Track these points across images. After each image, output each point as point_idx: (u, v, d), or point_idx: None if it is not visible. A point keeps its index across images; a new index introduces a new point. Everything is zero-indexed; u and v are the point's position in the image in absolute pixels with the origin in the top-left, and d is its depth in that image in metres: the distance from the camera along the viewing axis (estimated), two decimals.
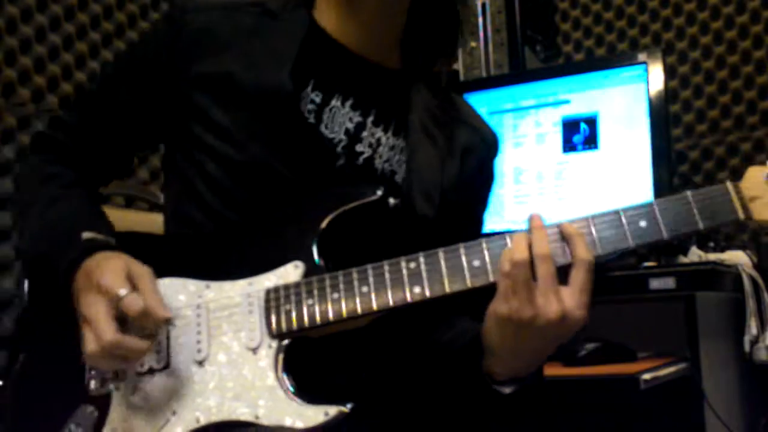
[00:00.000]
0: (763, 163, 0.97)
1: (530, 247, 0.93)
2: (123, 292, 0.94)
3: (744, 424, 1.91)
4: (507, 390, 1.02)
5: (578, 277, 0.94)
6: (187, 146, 1.12)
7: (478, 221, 1.29)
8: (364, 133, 1.14)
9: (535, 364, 1.02)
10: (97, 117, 1.18)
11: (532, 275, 0.93)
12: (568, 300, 0.93)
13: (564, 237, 0.95)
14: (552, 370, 1.60)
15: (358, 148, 1.13)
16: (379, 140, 1.14)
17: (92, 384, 1.02)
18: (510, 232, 0.97)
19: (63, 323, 1.03)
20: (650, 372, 1.49)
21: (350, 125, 1.13)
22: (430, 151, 1.16)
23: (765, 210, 0.95)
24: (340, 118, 1.12)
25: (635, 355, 1.70)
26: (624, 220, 0.96)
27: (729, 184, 0.96)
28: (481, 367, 1.02)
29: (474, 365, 1.02)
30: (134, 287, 0.96)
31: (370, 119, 1.15)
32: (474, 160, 1.22)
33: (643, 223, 0.96)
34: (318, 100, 1.12)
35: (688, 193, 0.96)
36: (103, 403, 1.01)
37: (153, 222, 1.32)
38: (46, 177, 1.15)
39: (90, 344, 0.94)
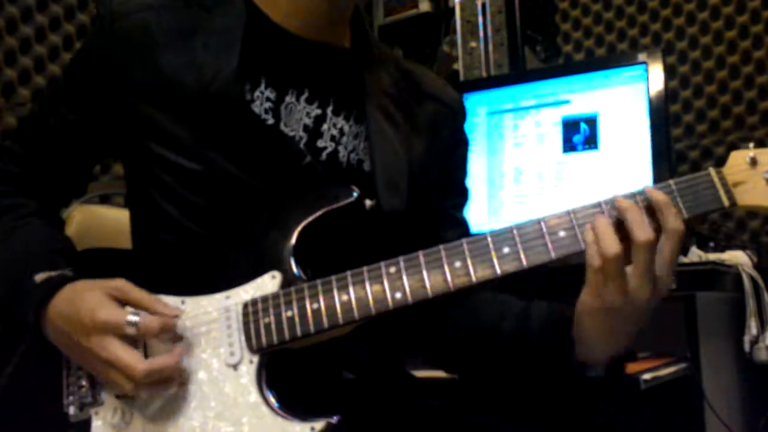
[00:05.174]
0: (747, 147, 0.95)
1: (622, 232, 0.89)
2: (134, 318, 0.92)
3: (744, 424, 1.91)
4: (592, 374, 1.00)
5: (668, 247, 0.90)
6: (142, 160, 1.07)
7: (461, 189, 1.26)
8: (325, 126, 1.09)
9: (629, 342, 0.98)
10: (44, 143, 1.14)
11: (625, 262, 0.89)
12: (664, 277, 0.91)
13: (651, 208, 0.91)
14: None
15: (320, 143, 1.09)
16: (341, 130, 1.10)
17: (71, 410, 1.00)
18: (487, 233, 0.94)
19: (37, 352, 1.01)
20: (650, 372, 1.49)
21: (308, 120, 1.08)
22: (391, 134, 1.12)
23: (749, 195, 0.93)
24: (296, 115, 1.08)
25: (635, 355, 1.70)
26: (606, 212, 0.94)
27: (712, 171, 0.94)
28: (571, 356, 0.99)
29: (563, 354, 0.99)
30: (125, 304, 0.95)
31: (330, 109, 1.10)
32: (442, 132, 1.19)
33: None
34: (273, 97, 1.07)
35: (671, 181, 0.95)
36: (83, 429, 0.99)
37: None
38: (0, 211, 1.11)
39: (125, 385, 0.93)
